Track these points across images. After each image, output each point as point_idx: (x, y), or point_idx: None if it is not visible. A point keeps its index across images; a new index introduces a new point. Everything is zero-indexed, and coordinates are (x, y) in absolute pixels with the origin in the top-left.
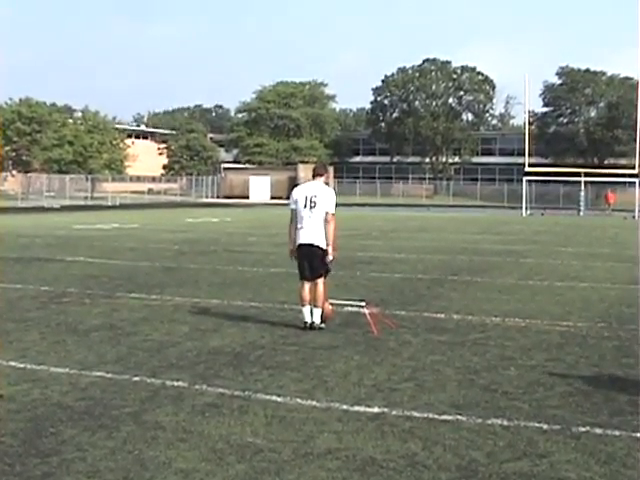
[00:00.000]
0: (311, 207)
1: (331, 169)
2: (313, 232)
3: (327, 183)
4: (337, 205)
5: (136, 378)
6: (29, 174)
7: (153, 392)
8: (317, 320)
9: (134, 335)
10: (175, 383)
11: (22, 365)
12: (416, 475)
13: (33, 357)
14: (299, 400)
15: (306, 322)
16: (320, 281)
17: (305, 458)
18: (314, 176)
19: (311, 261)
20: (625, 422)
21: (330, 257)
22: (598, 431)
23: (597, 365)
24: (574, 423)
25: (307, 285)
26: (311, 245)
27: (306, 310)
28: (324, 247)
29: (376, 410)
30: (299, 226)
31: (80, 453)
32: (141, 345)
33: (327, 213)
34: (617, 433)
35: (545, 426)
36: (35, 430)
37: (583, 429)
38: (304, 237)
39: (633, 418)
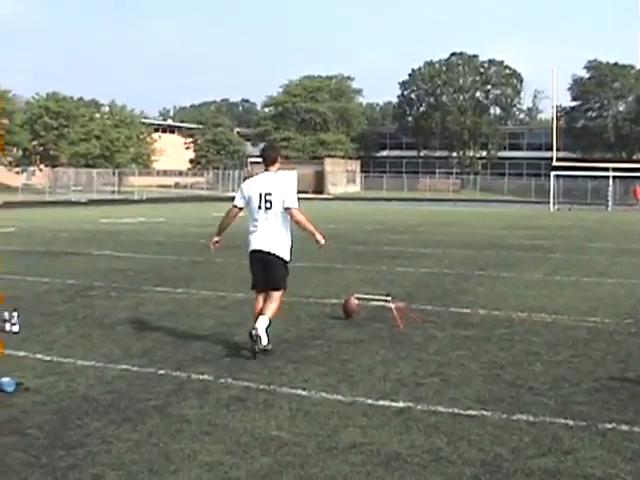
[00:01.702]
0: (266, 208)
1: (358, 162)
2: (269, 238)
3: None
4: (363, 199)
5: (161, 371)
6: (56, 168)
7: (178, 385)
8: (264, 339)
9: (160, 329)
10: (200, 376)
11: (48, 358)
12: (440, 470)
13: (59, 350)
14: (324, 394)
15: (255, 327)
16: (277, 295)
17: (329, 452)
18: (266, 165)
19: (267, 271)
20: None
21: (322, 241)
22: (624, 428)
23: (624, 361)
24: (600, 420)
25: (260, 295)
26: (267, 253)
27: (258, 320)
28: (282, 256)
29: (401, 405)
30: (252, 229)
31: (105, 445)
32: (167, 339)
33: (290, 210)
34: None
35: (571, 422)
36: (61, 422)
37: (609, 426)
38: (258, 242)
39: None
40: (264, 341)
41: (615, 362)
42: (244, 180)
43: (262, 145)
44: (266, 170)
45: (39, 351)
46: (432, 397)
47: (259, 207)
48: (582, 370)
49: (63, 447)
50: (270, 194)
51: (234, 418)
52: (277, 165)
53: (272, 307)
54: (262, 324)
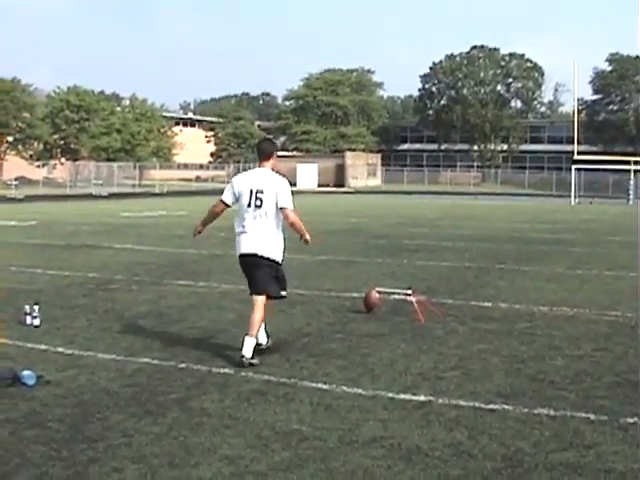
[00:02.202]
0: (256, 206)
1: (379, 156)
2: (257, 239)
3: (276, 171)
4: (384, 193)
5: (182, 365)
6: (77, 162)
7: (199, 379)
8: (248, 353)
9: (181, 322)
10: (221, 370)
11: (69, 351)
12: (461, 464)
13: (80, 343)
14: (345, 388)
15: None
16: (260, 301)
17: (350, 446)
18: (260, 160)
19: (253, 274)
20: None
21: (309, 240)
22: None
23: None
24: (622, 414)
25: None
26: (254, 255)
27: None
28: (274, 258)
29: (422, 398)
30: (239, 229)
31: (126, 439)
32: (188, 332)
33: (284, 210)
34: None
35: (592, 416)
36: (82, 416)
37: (631, 420)
38: (246, 245)
39: None
40: (254, 361)
41: (637, 356)
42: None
43: (281, 138)
44: (260, 165)
45: (60, 344)
46: (453, 391)
47: (248, 205)
48: (603, 364)
49: (84, 440)
50: (262, 191)
51: (255, 412)
52: (272, 161)
53: (255, 320)
54: (248, 347)
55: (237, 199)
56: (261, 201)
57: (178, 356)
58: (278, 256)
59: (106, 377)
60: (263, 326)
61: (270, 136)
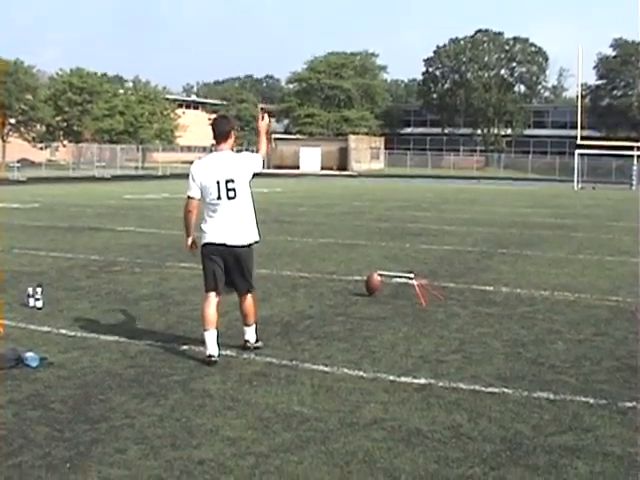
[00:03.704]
0: (229, 197)
1: (382, 139)
2: (235, 229)
3: (233, 148)
4: (387, 176)
5: (185, 347)
6: (80, 144)
7: (201, 361)
8: (252, 338)
9: (183, 304)
10: (223, 352)
11: (72, 333)
12: (461, 446)
13: (83, 325)
14: (346, 370)
15: (210, 355)
16: (252, 299)
17: (351, 428)
18: (217, 141)
19: (236, 269)
20: None
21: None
22: None
23: None
24: (620, 398)
25: (215, 300)
26: (237, 247)
27: (210, 336)
28: (253, 240)
29: (423, 381)
30: (209, 218)
31: (128, 420)
32: (190, 314)
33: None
34: None
35: (591, 400)
36: (84, 397)
37: (629, 404)
38: (222, 235)
39: None
40: (259, 344)
41: (637, 341)
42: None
43: (285, 121)
44: (218, 148)
45: (63, 326)
46: (453, 374)
47: (219, 197)
48: (604, 349)
49: (87, 421)
50: (233, 181)
51: (256, 393)
52: (231, 141)
53: (254, 312)
54: (251, 333)
55: (200, 191)
56: (234, 192)
57: (180, 338)
58: (257, 236)
59: (109, 359)
60: (216, 339)
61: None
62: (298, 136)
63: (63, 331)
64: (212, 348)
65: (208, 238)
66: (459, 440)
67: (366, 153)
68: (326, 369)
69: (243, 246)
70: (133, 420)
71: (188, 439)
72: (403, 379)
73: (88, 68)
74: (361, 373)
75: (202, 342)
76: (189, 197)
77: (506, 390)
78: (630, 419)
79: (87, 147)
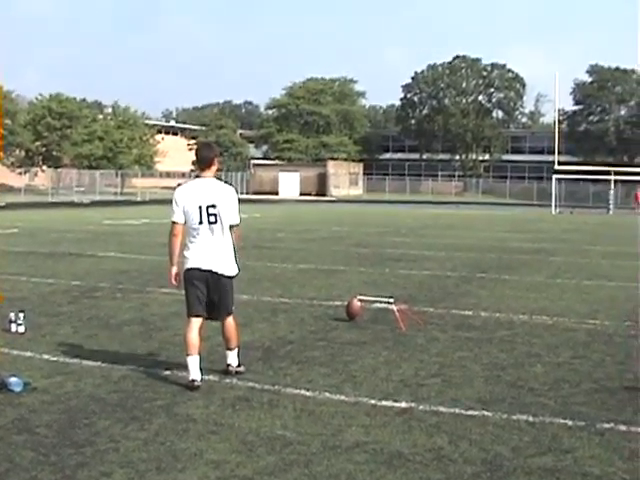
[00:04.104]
0: (210, 222)
1: (361, 165)
2: (215, 255)
3: (219, 177)
4: (366, 202)
5: (167, 372)
6: (59, 169)
7: (184, 385)
8: (234, 362)
9: (165, 330)
10: (206, 377)
11: (55, 358)
12: (442, 468)
13: (66, 351)
14: (328, 394)
15: (193, 380)
16: (233, 322)
17: (333, 451)
18: (201, 168)
19: (216, 295)
20: None
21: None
22: (622, 428)
23: (623, 363)
24: (599, 420)
25: (198, 325)
26: (219, 275)
27: (193, 361)
28: (233, 274)
29: (403, 405)
30: (191, 244)
31: (113, 444)
32: (172, 339)
33: (234, 228)
34: None
35: (570, 422)
36: (69, 421)
37: (607, 426)
38: (203, 261)
39: None
40: (241, 369)
41: (614, 364)
42: (176, 188)
43: (264, 147)
44: (201, 174)
45: (46, 351)
46: (434, 397)
47: (200, 222)
48: (582, 371)
49: (72, 445)
50: (214, 206)
51: (239, 417)
52: (214, 168)
53: (236, 336)
54: (234, 357)
55: (184, 216)
56: (215, 217)
57: (163, 363)
58: (235, 270)
59: (92, 383)
60: (198, 364)
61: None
62: (277, 162)
63: (46, 356)
64: (195, 373)
65: (190, 263)
66: (440, 462)
67: (345, 178)
68: (308, 393)
69: (224, 276)
70: (118, 444)
71: (173, 463)
72: (384, 403)
73: (67, 93)
74: (342, 397)
75: (185, 367)
76: (173, 222)
77: (486, 413)
78: (608, 440)
79: (66, 172)
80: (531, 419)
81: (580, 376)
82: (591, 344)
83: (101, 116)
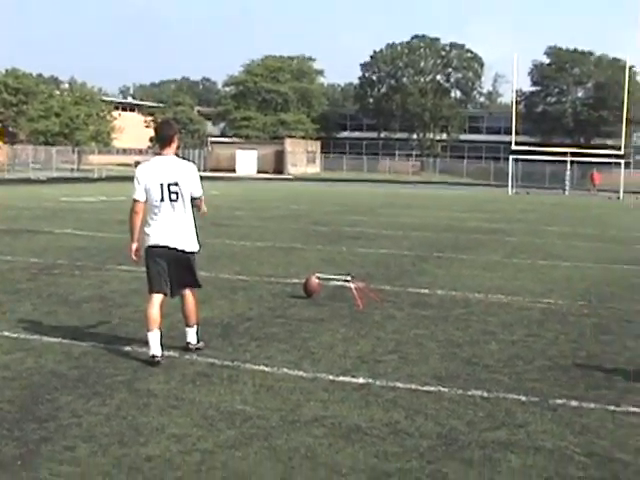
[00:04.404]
0: (172, 200)
1: (318, 143)
2: (178, 232)
3: (177, 154)
4: (323, 180)
5: (128, 348)
6: (15, 145)
7: (145, 361)
8: (193, 339)
9: (125, 306)
10: (166, 353)
11: (15, 335)
12: (398, 442)
13: (26, 327)
14: (286, 370)
15: (154, 355)
16: (193, 298)
17: (292, 425)
18: (161, 146)
19: (177, 271)
20: (600, 396)
21: (204, 209)
22: (574, 404)
23: (576, 341)
24: (551, 395)
25: (159, 301)
26: (181, 251)
27: (154, 337)
28: (195, 249)
29: (361, 381)
30: (152, 221)
31: (76, 419)
32: (132, 316)
33: (197, 200)
34: (592, 406)
35: (524, 398)
36: (31, 397)
37: (560, 401)
38: (166, 237)
39: (608, 392)
40: (200, 345)
41: (568, 342)
42: (136, 166)
43: (221, 124)
44: (162, 152)
45: (5, 328)
46: (391, 374)
47: (162, 199)
48: (536, 349)
49: (35, 420)
50: (176, 184)
51: (200, 393)
52: (175, 145)
53: (196, 313)
54: (193, 334)
55: (145, 194)
56: (177, 194)
57: (123, 339)
58: (197, 246)
59: (53, 360)
60: (159, 340)
61: (168, 118)
62: (234, 139)
63: (6, 333)
64: (155, 348)
65: (152, 240)
66: (397, 436)
67: (302, 157)
68: (267, 369)
69: (185, 252)
70: (80, 419)
71: (135, 437)
72: (342, 378)
73: (23, 69)
74: (301, 373)
75: (145, 343)
76: (134, 199)
77: (442, 388)
78: (560, 415)
79: (22, 149)
80: (486, 394)
81: (534, 353)
82: (545, 322)
83: (58, 92)
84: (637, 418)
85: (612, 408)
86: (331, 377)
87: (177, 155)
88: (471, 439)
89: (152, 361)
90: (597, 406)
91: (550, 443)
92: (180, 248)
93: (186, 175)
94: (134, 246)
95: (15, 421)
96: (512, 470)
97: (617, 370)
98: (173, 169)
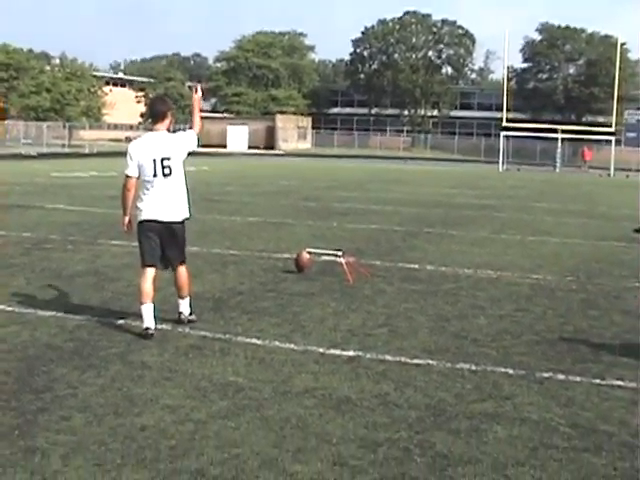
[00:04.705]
0: (165, 174)
1: (309, 119)
2: (171, 206)
3: (169, 129)
4: (314, 156)
5: (121, 321)
6: (6, 121)
7: (138, 334)
8: (186, 310)
9: (118, 281)
10: (159, 326)
11: (10, 308)
12: (387, 413)
13: (20, 301)
14: (278, 343)
15: (147, 327)
16: (186, 271)
17: (284, 396)
18: (154, 121)
19: (172, 244)
20: (586, 369)
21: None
22: (560, 377)
23: (563, 316)
24: (538, 369)
25: (152, 275)
26: (172, 223)
27: (147, 309)
28: (186, 217)
29: (351, 353)
30: (145, 196)
31: (71, 390)
32: (125, 290)
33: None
34: (578, 379)
35: (511, 371)
36: (27, 369)
37: (546, 375)
38: (157, 212)
39: (594, 366)
40: (193, 317)
41: (555, 317)
42: (127, 141)
43: (212, 100)
44: (154, 127)
45: (0, 302)
46: (381, 347)
47: (154, 174)
48: (524, 323)
49: (31, 392)
50: (168, 158)
51: (193, 365)
52: (167, 121)
53: (188, 285)
54: (186, 305)
55: (138, 169)
56: (170, 169)
57: (116, 313)
58: (187, 213)
59: (48, 333)
60: (152, 312)
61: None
62: (225, 115)
63: (1, 307)
64: (149, 321)
65: (144, 215)
66: (386, 407)
67: (293, 132)
68: (258, 342)
69: (177, 222)
70: (76, 390)
71: (130, 407)
72: (332, 351)
73: (14, 44)
74: (292, 346)
75: (138, 317)
76: (127, 176)
77: (430, 362)
78: (547, 388)
79: (13, 124)
80: (474, 368)
81: (522, 328)
82: (533, 298)
83: (48, 67)
84: (622, 391)
85: (597, 381)
86: (322, 350)
87: (169, 131)
88: (458, 410)
89: (145, 334)
90: (583, 379)
91: (536, 415)
92: (172, 220)
93: (178, 147)
94: (126, 219)
95: (12, 392)
96: (498, 440)
97: (604, 345)
98: (165, 144)
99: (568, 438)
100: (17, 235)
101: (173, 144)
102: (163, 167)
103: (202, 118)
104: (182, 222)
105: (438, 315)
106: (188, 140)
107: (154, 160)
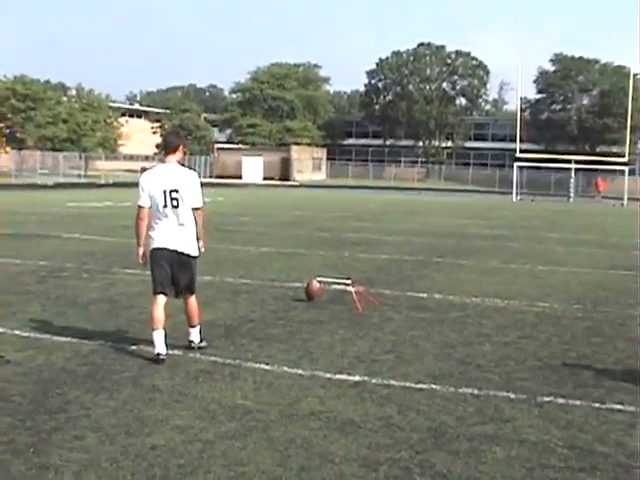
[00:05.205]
0: (174, 206)
1: (324, 150)
2: (179, 236)
3: (182, 163)
4: (329, 187)
5: (134, 347)
6: (23, 151)
7: (150, 359)
8: (196, 339)
9: (131, 308)
10: (170, 352)
11: (26, 334)
12: (390, 434)
13: (36, 327)
14: (286, 368)
15: (159, 353)
16: (195, 300)
17: (290, 418)
18: (166, 153)
19: (180, 273)
20: (587, 394)
21: (202, 249)
22: (561, 401)
23: (567, 343)
24: (539, 393)
25: (163, 302)
26: (182, 254)
27: (158, 335)
28: (195, 254)
29: (357, 378)
30: (156, 225)
31: (85, 411)
32: (138, 317)
33: (197, 210)
34: (578, 403)
35: (512, 395)
36: (42, 391)
37: (547, 399)
38: (168, 241)
39: (595, 390)
40: (203, 344)
41: (559, 343)
42: (142, 172)
43: (227, 131)
44: (166, 159)
45: (16, 327)
46: (386, 372)
47: (164, 205)
48: (528, 350)
49: (46, 412)
50: (177, 191)
51: (202, 388)
52: (179, 154)
53: (198, 314)
54: (196, 334)
55: (150, 200)
56: (177, 201)
57: (129, 339)
58: (197, 251)
59: (62, 357)
60: (163, 339)
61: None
62: (240, 146)
63: (17, 332)
64: (160, 347)
65: (156, 244)
66: (389, 429)
67: (308, 163)
68: (267, 367)
69: (185, 254)
70: (89, 411)
71: (141, 428)
72: (339, 376)
73: (32, 75)
74: (300, 371)
75: (150, 342)
76: (139, 206)
77: (434, 386)
78: (547, 411)
79: (30, 154)
80: (476, 392)
81: (526, 354)
82: (539, 325)
83: (65, 98)
84: (621, 415)
85: (597, 405)
86: (328, 375)
87: (182, 164)
88: (459, 432)
89: (157, 359)
90: (583, 403)
91: (534, 436)
92: (181, 250)
93: (187, 183)
94: (140, 251)
95: (27, 412)
96: (496, 460)
97: (605, 370)
98: (175, 177)
99: (565, 459)
100: (33, 263)
101: (183, 178)
102: (172, 198)
103: (217, 149)
104: (194, 257)
105: (444, 342)
106: (197, 188)
107: (164, 191)
